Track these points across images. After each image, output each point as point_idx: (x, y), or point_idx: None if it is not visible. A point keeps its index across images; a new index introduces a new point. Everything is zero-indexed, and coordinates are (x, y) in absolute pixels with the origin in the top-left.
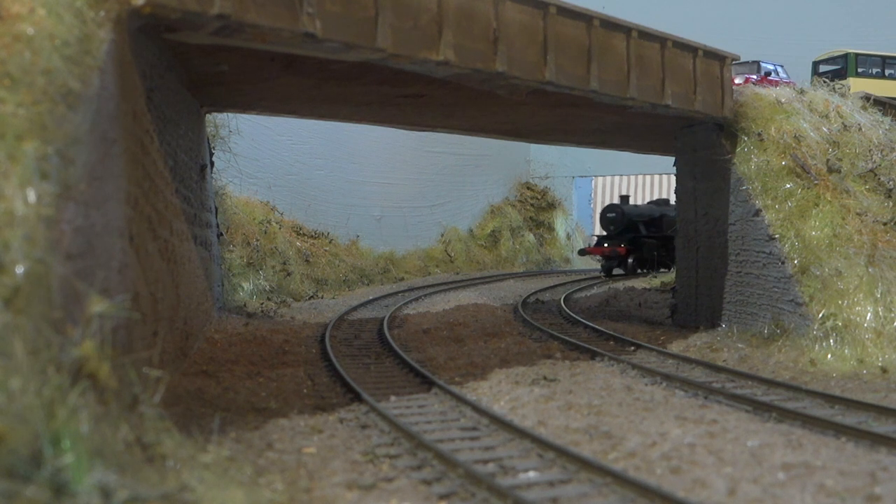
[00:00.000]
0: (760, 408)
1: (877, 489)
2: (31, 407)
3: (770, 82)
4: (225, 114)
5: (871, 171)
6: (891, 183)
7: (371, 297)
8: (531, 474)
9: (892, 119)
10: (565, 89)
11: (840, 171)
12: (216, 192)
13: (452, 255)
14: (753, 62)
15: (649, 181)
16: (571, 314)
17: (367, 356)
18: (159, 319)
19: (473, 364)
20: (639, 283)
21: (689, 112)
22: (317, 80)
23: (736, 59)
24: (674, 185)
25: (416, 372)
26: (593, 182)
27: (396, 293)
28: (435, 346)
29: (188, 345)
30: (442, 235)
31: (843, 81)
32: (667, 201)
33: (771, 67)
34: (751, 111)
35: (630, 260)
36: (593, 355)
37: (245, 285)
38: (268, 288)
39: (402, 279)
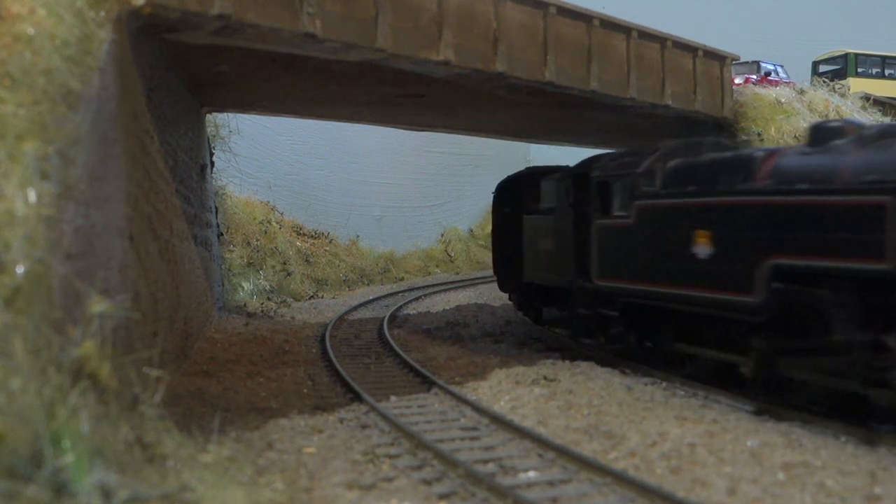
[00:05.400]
0: (760, 407)
1: (877, 489)
2: (31, 407)
3: (770, 82)
4: (225, 114)
5: None
6: None
7: (371, 297)
8: (531, 474)
9: (892, 119)
10: (565, 89)
11: None
12: (216, 192)
13: (452, 254)
14: (753, 62)
15: None
16: None
17: (368, 356)
18: (159, 319)
19: (474, 364)
20: None
21: (689, 112)
22: (317, 80)
23: (736, 59)
24: None
25: (417, 372)
26: None
27: (396, 293)
28: (435, 346)
29: (188, 345)
30: (442, 235)
31: (842, 81)
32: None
33: (771, 67)
34: (751, 111)
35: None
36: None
37: (245, 285)
38: (268, 288)
39: (402, 279)
